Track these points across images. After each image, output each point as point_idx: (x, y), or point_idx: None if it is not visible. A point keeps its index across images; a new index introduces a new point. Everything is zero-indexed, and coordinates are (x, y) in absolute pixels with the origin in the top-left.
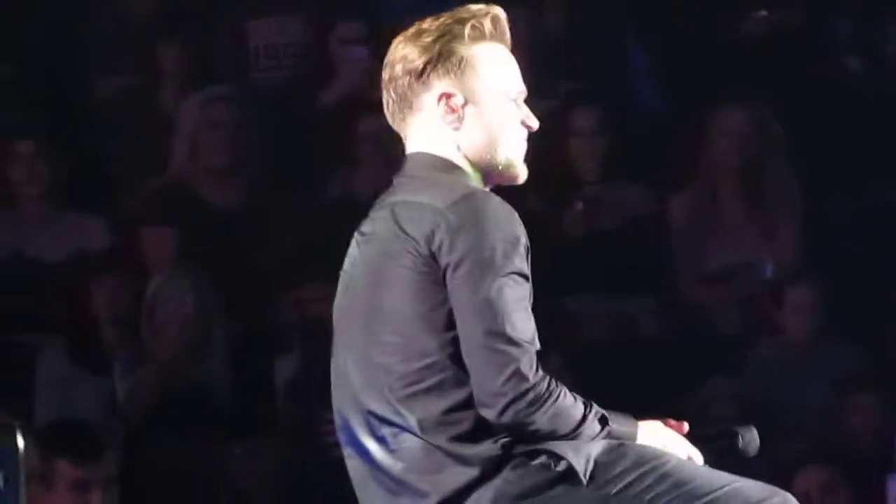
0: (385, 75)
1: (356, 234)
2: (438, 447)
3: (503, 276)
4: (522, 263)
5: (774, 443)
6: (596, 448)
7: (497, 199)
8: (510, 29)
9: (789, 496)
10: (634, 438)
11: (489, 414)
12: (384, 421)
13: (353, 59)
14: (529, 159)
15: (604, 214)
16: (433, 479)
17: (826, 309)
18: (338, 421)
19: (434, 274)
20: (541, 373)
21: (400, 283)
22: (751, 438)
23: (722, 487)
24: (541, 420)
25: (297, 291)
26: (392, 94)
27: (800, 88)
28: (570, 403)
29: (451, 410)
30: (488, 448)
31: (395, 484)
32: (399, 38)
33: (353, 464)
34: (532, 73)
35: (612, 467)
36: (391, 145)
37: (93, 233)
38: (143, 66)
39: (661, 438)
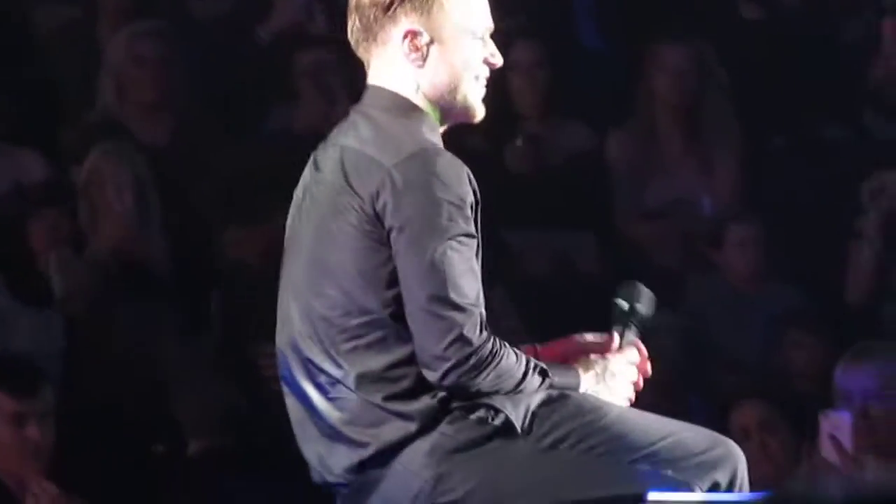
0: (352, 1)
1: (312, 158)
2: (376, 404)
3: (448, 240)
4: (468, 224)
5: (713, 378)
6: (535, 400)
7: (446, 158)
8: None
9: (732, 444)
10: (577, 388)
11: (431, 377)
12: (323, 371)
13: None
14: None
15: (544, 151)
16: (372, 432)
17: (766, 246)
18: (279, 358)
19: (378, 233)
20: (485, 334)
21: (344, 239)
22: (644, 301)
23: (663, 439)
24: (483, 382)
25: (227, 231)
26: (357, 21)
27: (739, 27)
28: (512, 363)
29: (391, 367)
30: (426, 403)
31: (332, 431)
32: None
33: (291, 402)
34: None
35: (550, 419)
36: (330, 80)
37: (30, 166)
38: None
39: (605, 384)
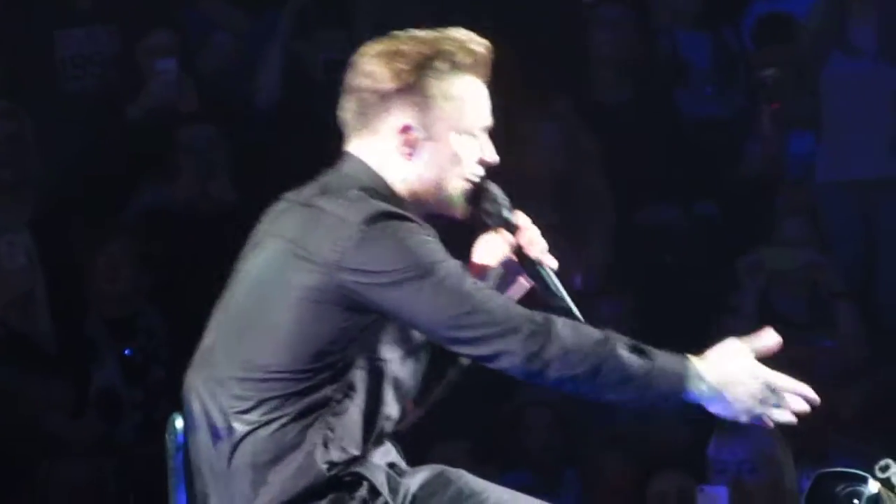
0: (349, 80)
1: (272, 210)
2: (258, 467)
3: (439, 265)
4: (446, 253)
5: (589, 452)
6: (415, 484)
7: (410, 218)
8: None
9: None
10: (682, 386)
11: (510, 361)
12: (215, 420)
13: (162, 71)
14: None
15: None
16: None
17: (635, 321)
18: (185, 387)
19: (331, 292)
20: (531, 313)
21: (287, 295)
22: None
23: None
24: (556, 353)
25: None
26: (352, 103)
27: (608, 101)
28: (582, 333)
29: (278, 431)
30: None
31: (217, 476)
32: (372, 49)
33: (192, 439)
34: None
35: (429, 502)
36: (211, 155)
37: None
38: None
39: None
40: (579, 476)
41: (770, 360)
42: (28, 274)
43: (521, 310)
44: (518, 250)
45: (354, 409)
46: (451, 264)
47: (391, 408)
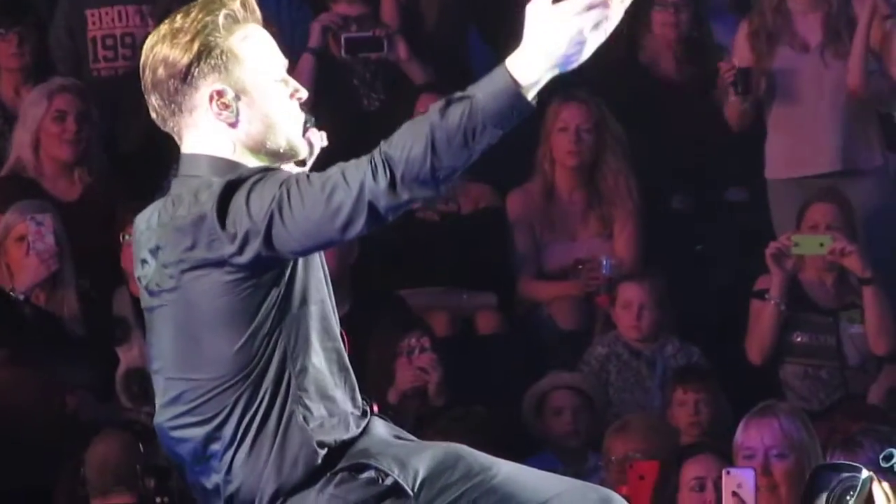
0: (146, 79)
1: (137, 241)
2: (260, 467)
3: (280, 187)
4: (276, 179)
5: (610, 437)
6: (424, 461)
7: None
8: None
9: (613, 495)
10: (512, 86)
11: (386, 202)
12: (199, 441)
13: None
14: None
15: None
16: (259, 488)
17: (661, 306)
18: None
19: (234, 275)
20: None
21: (204, 300)
22: None
23: (553, 497)
24: (402, 164)
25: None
26: (158, 98)
27: (639, 87)
28: (402, 139)
29: (260, 427)
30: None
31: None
32: (153, 40)
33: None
34: None
35: (440, 480)
36: None
37: None
38: None
39: (546, 45)
40: (604, 460)
41: (799, 346)
42: (56, 254)
43: (349, 162)
44: None
45: (310, 359)
46: (289, 181)
47: (333, 333)
